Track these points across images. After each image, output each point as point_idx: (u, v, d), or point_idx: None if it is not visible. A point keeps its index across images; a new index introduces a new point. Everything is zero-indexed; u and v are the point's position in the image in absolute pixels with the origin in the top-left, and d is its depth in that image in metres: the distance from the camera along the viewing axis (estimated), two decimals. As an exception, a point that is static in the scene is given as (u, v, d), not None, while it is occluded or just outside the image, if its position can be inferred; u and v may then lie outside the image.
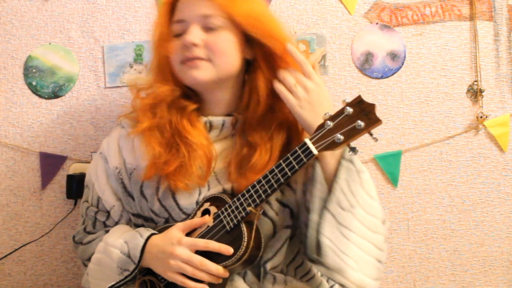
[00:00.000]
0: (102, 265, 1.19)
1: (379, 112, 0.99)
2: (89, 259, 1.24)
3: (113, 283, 1.16)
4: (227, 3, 1.14)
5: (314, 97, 1.10)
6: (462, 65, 1.68)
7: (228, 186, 1.18)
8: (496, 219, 1.71)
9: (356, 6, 1.67)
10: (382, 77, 1.68)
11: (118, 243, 1.17)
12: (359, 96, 1.01)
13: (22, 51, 1.64)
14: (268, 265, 1.17)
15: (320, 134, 1.02)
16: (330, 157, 1.10)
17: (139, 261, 1.13)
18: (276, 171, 1.05)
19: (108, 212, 1.28)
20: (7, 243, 1.65)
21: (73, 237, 1.33)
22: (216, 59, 1.16)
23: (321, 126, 1.03)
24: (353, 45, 1.67)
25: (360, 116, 0.99)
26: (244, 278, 1.18)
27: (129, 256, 1.15)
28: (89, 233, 1.30)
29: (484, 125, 1.68)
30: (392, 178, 1.69)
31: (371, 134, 1.00)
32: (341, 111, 1.01)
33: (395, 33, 1.67)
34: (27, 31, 1.64)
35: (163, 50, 1.19)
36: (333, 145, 1.01)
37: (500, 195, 1.71)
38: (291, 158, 1.04)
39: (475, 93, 1.68)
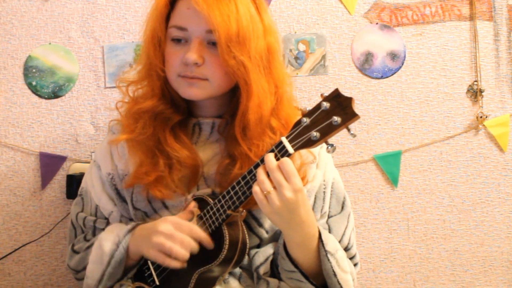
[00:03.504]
0: (98, 263, 1.18)
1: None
2: (85, 268, 1.22)
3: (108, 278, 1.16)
4: (225, 20, 1.07)
5: (289, 208, 1.01)
6: (462, 65, 1.68)
7: (218, 190, 1.17)
8: (496, 219, 1.71)
9: (356, 6, 1.67)
10: (382, 77, 1.68)
11: (110, 237, 1.17)
12: (336, 90, 0.96)
13: (22, 51, 1.64)
14: (261, 270, 1.16)
15: (296, 132, 0.99)
16: (305, 252, 1.10)
17: (126, 233, 1.15)
18: (255, 171, 1.03)
19: (107, 219, 1.27)
20: (7, 243, 1.65)
21: (72, 246, 1.29)
22: (215, 80, 1.12)
23: (298, 122, 0.99)
24: (353, 45, 1.67)
25: (336, 111, 0.94)
26: (239, 280, 1.17)
27: (118, 245, 1.15)
28: (89, 241, 1.28)
29: (484, 125, 1.68)
30: (392, 178, 1.69)
31: (348, 130, 0.96)
32: (318, 106, 0.96)
33: (395, 33, 1.67)
34: (27, 31, 1.64)
35: (155, 52, 1.15)
36: (309, 143, 0.97)
37: (500, 195, 1.71)
38: None
39: (475, 93, 1.68)
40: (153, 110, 1.17)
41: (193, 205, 1.12)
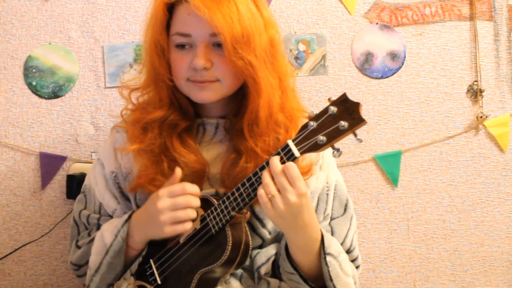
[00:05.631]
0: (99, 253, 1.18)
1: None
2: (88, 262, 1.23)
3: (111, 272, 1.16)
4: (228, 22, 1.06)
5: (293, 212, 1.01)
6: (462, 65, 1.69)
7: (222, 190, 1.17)
8: (496, 219, 1.71)
9: (356, 6, 1.67)
10: (382, 77, 1.68)
11: (111, 227, 1.18)
12: (344, 94, 0.97)
13: (22, 51, 1.64)
14: (262, 270, 1.16)
15: (303, 135, 0.99)
16: (307, 256, 1.10)
17: (123, 224, 1.16)
18: (260, 173, 1.03)
19: (111, 217, 1.27)
20: (7, 243, 1.66)
21: (76, 242, 1.30)
22: (226, 80, 1.12)
23: (305, 126, 0.99)
24: (353, 45, 1.67)
25: (344, 115, 0.95)
26: (240, 280, 1.18)
27: (116, 235, 1.15)
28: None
29: (484, 125, 1.68)
30: (392, 178, 1.69)
31: (355, 135, 0.96)
32: (325, 110, 0.97)
33: (395, 33, 1.67)
34: (27, 31, 1.64)
35: (160, 62, 1.15)
36: (316, 147, 0.98)
37: (500, 195, 1.71)
38: None
39: (475, 93, 1.68)
40: (162, 119, 1.17)
41: (178, 171, 1.12)
